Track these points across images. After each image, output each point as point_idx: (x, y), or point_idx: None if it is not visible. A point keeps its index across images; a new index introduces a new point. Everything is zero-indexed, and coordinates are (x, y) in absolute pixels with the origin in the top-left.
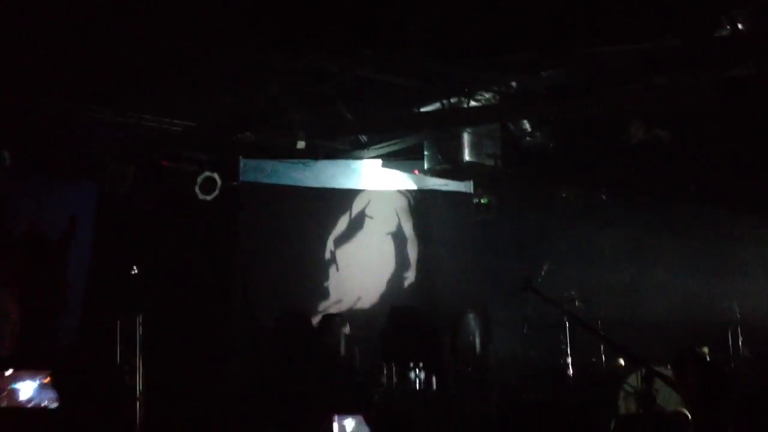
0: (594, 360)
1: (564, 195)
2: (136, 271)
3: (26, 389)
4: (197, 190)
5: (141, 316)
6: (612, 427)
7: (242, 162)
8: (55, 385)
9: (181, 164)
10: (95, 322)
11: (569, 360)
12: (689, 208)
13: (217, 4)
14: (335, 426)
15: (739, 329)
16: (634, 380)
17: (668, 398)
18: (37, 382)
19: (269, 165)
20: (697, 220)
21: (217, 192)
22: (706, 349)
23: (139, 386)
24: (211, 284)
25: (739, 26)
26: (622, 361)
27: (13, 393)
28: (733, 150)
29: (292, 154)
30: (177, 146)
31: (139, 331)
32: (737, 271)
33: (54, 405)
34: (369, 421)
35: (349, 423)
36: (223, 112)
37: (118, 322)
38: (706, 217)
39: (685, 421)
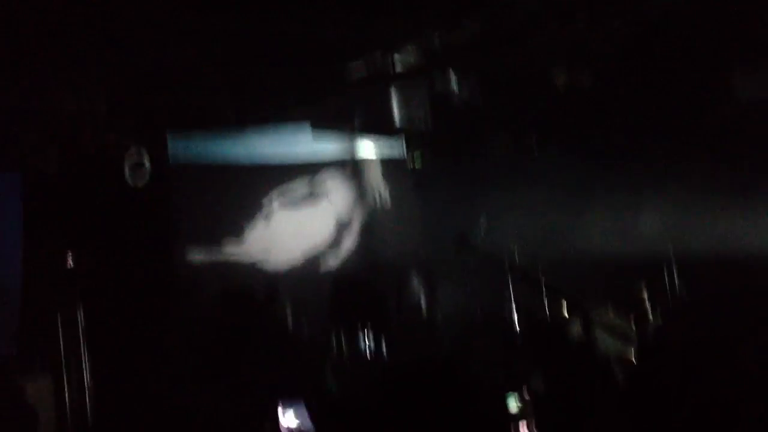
0: (539, 312)
1: (495, 147)
2: (71, 262)
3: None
4: (128, 177)
5: (82, 309)
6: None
7: (169, 138)
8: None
9: (106, 143)
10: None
11: (515, 314)
12: (621, 150)
13: None
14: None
15: (674, 268)
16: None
17: (607, 344)
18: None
19: (196, 139)
20: (628, 160)
21: (147, 178)
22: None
23: (86, 381)
24: (150, 269)
25: None
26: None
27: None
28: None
29: (217, 121)
30: (98, 124)
31: (81, 324)
32: (672, 211)
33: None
34: (310, 410)
35: (290, 416)
36: (138, 80)
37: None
38: (639, 156)
39: (623, 367)
